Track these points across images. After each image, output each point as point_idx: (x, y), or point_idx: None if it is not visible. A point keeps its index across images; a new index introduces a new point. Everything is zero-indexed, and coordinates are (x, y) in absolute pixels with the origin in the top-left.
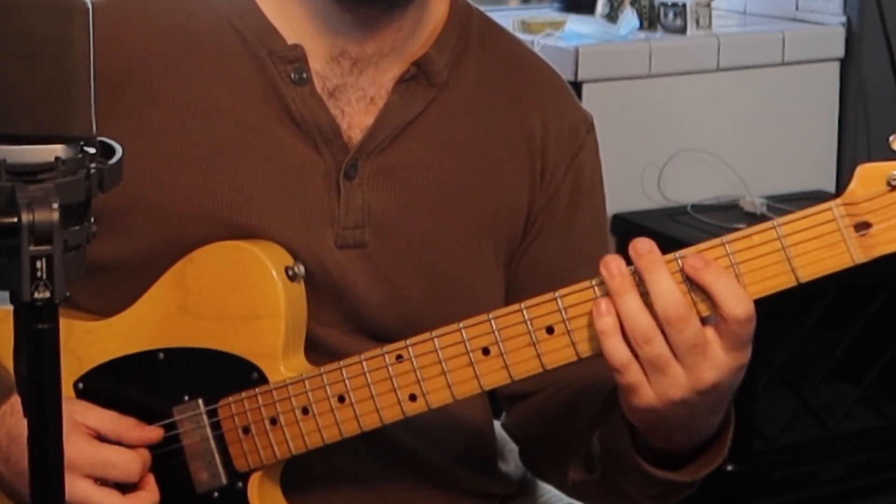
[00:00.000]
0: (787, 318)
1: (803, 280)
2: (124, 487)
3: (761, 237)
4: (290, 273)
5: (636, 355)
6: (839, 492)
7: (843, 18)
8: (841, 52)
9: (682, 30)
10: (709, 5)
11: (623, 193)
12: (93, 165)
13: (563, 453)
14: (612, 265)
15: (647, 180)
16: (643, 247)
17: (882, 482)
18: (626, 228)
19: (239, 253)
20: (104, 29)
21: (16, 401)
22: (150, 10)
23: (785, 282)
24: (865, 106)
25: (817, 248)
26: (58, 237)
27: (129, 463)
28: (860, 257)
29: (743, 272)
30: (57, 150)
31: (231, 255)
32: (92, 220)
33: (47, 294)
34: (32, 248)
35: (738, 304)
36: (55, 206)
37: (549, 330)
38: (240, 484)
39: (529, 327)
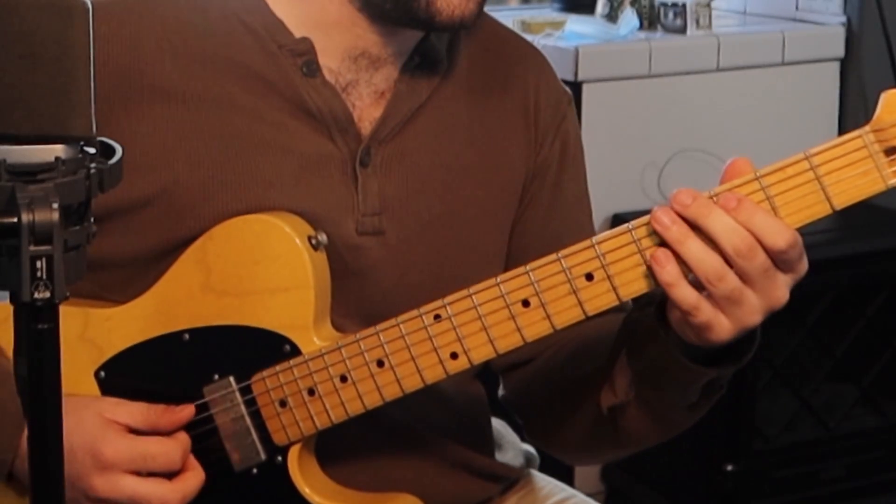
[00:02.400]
0: (787, 318)
1: (838, 207)
2: (168, 473)
3: (794, 168)
4: (314, 242)
5: (704, 294)
6: (839, 492)
7: (843, 18)
8: (841, 52)
9: (682, 30)
10: (709, 5)
11: (623, 193)
12: (93, 165)
13: (574, 402)
14: (664, 217)
15: (647, 180)
16: (687, 196)
17: (882, 482)
18: None
19: (261, 226)
20: (116, 28)
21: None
22: (160, 7)
23: (820, 210)
24: (865, 106)
25: (850, 175)
26: (58, 237)
27: (170, 452)
28: (893, 181)
29: (778, 205)
30: (57, 150)
31: (252, 228)
32: (92, 220)
33: (47, 294)
34: (32, 248)
35: (775, 236)
36: (55, 206)
37: (589, 277)
38: (279, 458)
39: (569, 275)
